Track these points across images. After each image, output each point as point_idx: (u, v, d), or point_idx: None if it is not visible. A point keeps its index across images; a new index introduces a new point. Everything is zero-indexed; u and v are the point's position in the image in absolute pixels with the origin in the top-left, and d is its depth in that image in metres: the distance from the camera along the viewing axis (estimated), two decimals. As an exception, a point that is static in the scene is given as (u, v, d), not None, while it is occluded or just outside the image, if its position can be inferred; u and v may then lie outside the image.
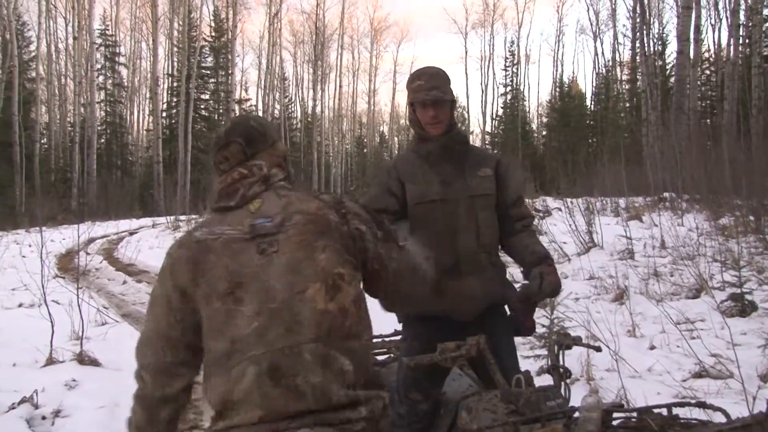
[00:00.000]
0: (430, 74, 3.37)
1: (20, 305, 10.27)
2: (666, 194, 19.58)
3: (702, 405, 2.71)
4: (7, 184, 34.50)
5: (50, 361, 6.98)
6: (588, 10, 55.32)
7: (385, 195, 3.32)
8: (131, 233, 25.40)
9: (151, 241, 21.90)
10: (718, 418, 2.48)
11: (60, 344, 7.24)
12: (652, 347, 7.19)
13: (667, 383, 5.69)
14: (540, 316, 7.40)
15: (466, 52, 58.02)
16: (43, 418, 5.52)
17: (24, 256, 15.15)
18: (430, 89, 3.28)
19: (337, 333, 2.13)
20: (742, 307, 7.95)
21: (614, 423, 2.64)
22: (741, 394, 5.40)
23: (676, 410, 2.61)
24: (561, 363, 2.99)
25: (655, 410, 2.62)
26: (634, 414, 2.65)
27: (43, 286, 8.02)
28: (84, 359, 6.95)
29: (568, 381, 2.92)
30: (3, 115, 35.04)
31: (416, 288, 2.62)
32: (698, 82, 35.66)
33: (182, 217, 26.98)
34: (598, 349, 3.43)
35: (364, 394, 2.14)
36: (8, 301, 10.52)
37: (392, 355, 3.94)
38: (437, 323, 3.19)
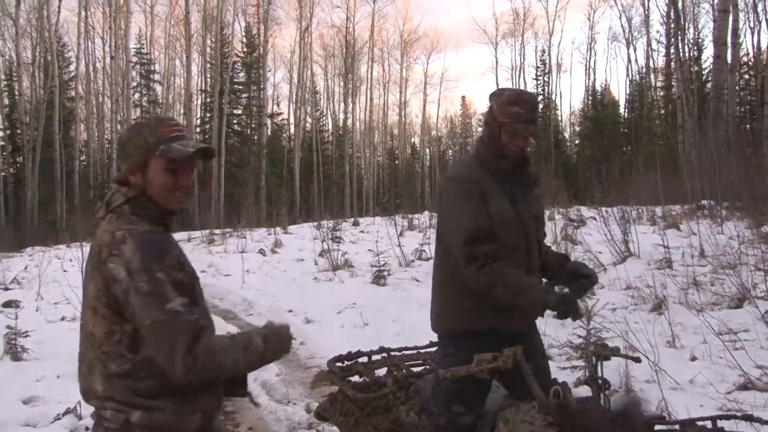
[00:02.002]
0: (531, 104, 3.37)
1: (63, 318, 10.47)
2: (704, 202, 19.35)
3: (749, 418, 2.68)
4: (49, 200, 35.07)
5: (92, 374, 7.10)
6: (620, 17, 54.73)
7: (481, 211, 3.30)
8: (167, 247, 25.48)
9: (187, 255, 22.12)
10: None
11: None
12: (694, 358, 7.10)
13: (710, 395, 5.61)
14: (576, 327, 7.39)
15: (497, 62, 57.84)
16: (86, 429, 5.63)
17: (65, 271, 15.38)
18: (530, 122, 3.30)
19: (95, 354, 2.36)
20: (788, 317, 7.83)
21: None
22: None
23: (721, 423, 2.59)
24: (599, 374, 2.99)
25: (699, 423, 2.60)
26: (677, 426, 2.64)
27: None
28: None
29: (607, 392, 2.91)
30: (44, 133, 35.69)
31: (164, 365, 2.33)
32: (737, 87, 35.24)
33: (217, 231, 27.18)
34: (638, 360, 3.42)
35: (110, 406, 2.36)
36: (51, 314, 10.71)
37: (428, 366, 4.00)
38: (488, 339, 3.18)
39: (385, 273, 13.53)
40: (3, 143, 37.84)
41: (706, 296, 9.62)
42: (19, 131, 37.44)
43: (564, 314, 3.27)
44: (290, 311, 11.15)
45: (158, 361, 2.32)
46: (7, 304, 11.17)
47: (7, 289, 13.25)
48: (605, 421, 2.55)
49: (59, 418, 5.82)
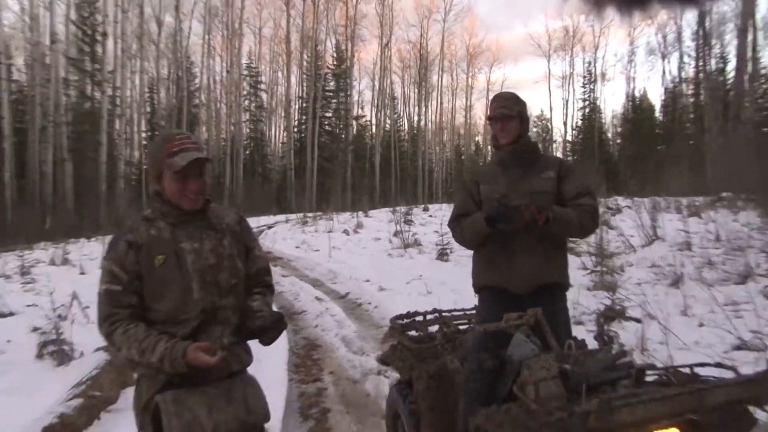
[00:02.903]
0: (503, 97, 3.56)
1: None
2: (724, 194, 18.86)
3: (719, 365, 2.77)
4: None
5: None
6: (656, 34, 53.12)
7: (468, 199, 3.54)
8: (269, 227, 26.05)
9: (284, 234, 22.53)
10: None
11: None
12: (701, 324, 7.04)
13: (709, 354, 5.61)
14: (603, 297, 7.42)
15: (549, 72, 56.85)
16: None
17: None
18: (498, 107, 3.48)
19: None
20: (783, 291, 7.71)
21: (647, 380, 2.75)
22: (772, 364, 5.33)
23: (697, 369, 2.69)
24: (606, 331, 3.09)
25: (681, 369, 2.71)
26: (662, 372, 2.75)
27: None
28: None
29: (614, 346, 2.99)
30: (176, 134, 36.90)
31: None
32: (756, 96, 34.02)
33: (309, 214, 27.57)
34: (638, 321, 3.52)
35: None
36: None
37: (471, 324, 4.07)
38: (499, 296, 3.33)
39: (448, 251, 13.57)
40: (145, 142, 39.10)
41: (718, 274, 9.46)
42: (156, 132, 38.65)
43: (499, 214, 3.21)
44: (367, 281, 11.30)
45: None
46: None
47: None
48: (601, 364, 2.67)
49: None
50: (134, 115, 37.60)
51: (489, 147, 61.68)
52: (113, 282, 2.41)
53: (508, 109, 3.46)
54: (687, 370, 2.66)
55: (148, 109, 40.68)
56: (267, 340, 2.60)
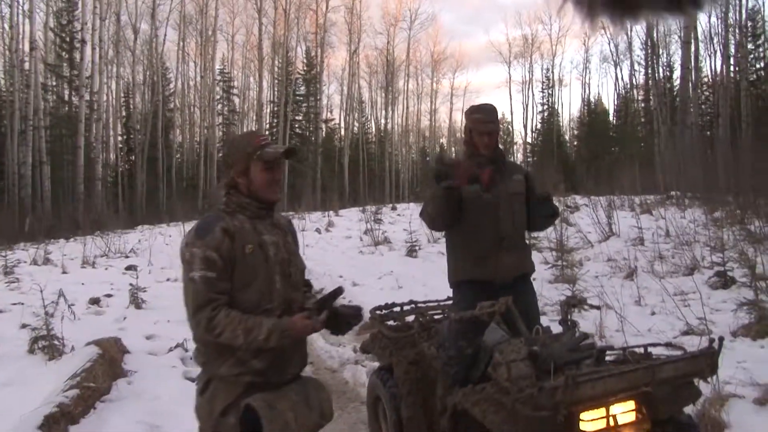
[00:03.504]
0: (488, 110, 3.75)
1: (168, 279, 10.88)
2: (673, 193, 19.30)
3: (668, 344, 3.00)
4: (153, 190, 35.88)
5: (192, 320, 7.51)
6: (609, 43, 53.87)
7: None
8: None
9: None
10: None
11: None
12: (653, 313, 7.32)
13: (661, 339, 5.85)
14: (565, 289, 7.65)
15: (510, 78, 57.34)
16: (191, 358, 6.03)
17: (167, 244, 15.82)
18: (488, 123, 3.68)
19: None
20: (724, 281, 8.01)
21: (607, 359, 2.94)
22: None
23: (650, 349, 2.89)
24: (569, 318, 3.27)
25: (636, 349, 2.91)
26: (620, 352, 2.94)
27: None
28: None
29: (577, 330, 3.17)
30: (150, 137, 36.56)
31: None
32: (699, 102, 34.86)
33: (282, 214, 27.60)
34: (598, 308, 3.72)
35: None
36: (160, 276, 11.14)
37: (445, 314, 4.21)
38: (480, 288, 3.50)
39: (417, 248, 13.63)
40: (120, 145, 38.74)
41: (667, 266, 9.78)
42: (132, 136, 38.28)
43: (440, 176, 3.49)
44: (341, 277, 11.37)
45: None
46: (129, 268, 11.67)
47: (127, 256, 13.72)
48: (566, 346, 2.85)
49: (172, 350, 6.20)
50: (110, 120, 37.14)
51: (453, 149, 62.31)
52: (209, 268, 2.36)
53: (495, 125, 3.71)
54: (641, 350, 2.87)
55: (124, 114, 40.20)
56: (344, 330, 2.66)
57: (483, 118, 3.68)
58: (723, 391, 4.47)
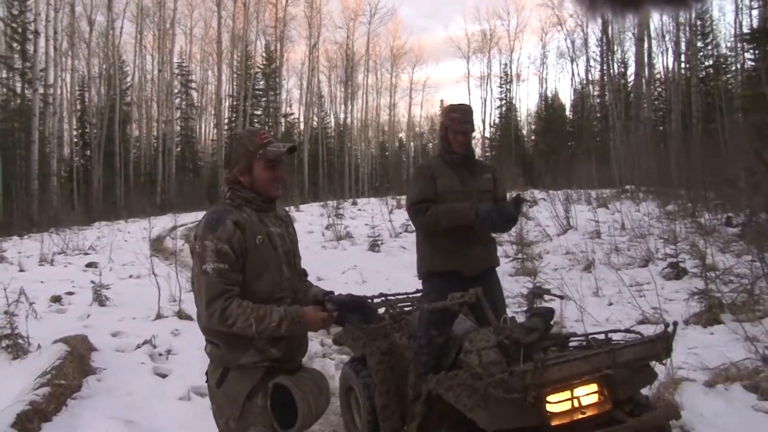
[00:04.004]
0: (464, 110, 3.94)
1: (130, 276, 10.74)
2: (628, 187, 19.80)
3: (627, 331, 3.20)
4: (110, 185, 35.26)
5: (159, 316, 7.54)
6: (566, 39, 54.86)
7: (429, 186, 3.82)
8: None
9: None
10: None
11: (163, 304, 7.79)
12: (611, 303, 7.58)
13: (619, 328, 6.11)
14: (526, 281, 7.87)
15: (469, 73, 57.80)
16: (160, 354, 6.11)
17: (126, 241, 15.65)
18: (464, 122, 3.86)
19: None
20: (677, 272, 8.34)
21: (570, 346, 3.12)
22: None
23: (610, 335, 3.08)
24: (535, 307, 3.43)
25: (597, 336, 3.09)
26: (582, 338, 3.12)
27: (151, 263, 8.55)
28: (182, 315, 7.48)
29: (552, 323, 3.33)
30: (107, 132, 35.93)
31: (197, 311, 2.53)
32: (652, 98, 35.75)
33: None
34: (562, 297, 3.91)
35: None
36: (122, 273, 11.00)
37: (415, 305, 4.34)
38: (450, 279, 3.66)
39: (379, 242, 13.75)
40: (76, 140, 37.94)
41: (624, 258, 10.10)
42: (87, 130, 37.55)
43: (493, 220, 3.63)
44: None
45: (197, 307, 2.49)
46: (89, 265, 11.53)
47: (86, 254, 13.51)
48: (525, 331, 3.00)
49: (140, 346, 6.20)
50: (65, 113, 36.36)
51: (412, 144, 62.65)
52: (221, 260, 2.40)
53: (471, 125, 3.90)
54: (602, 336, 3.05)
55: (79, 107, 39.38)
56: (357, 320, 2.68)
57: (459, 118, 3.86)
58: (676, 376, 4.72)
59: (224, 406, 2.53)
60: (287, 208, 22.83)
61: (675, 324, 2.96)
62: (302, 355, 2.71)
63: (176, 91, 44.63)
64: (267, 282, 2.51)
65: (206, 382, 2.66)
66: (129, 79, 41.93)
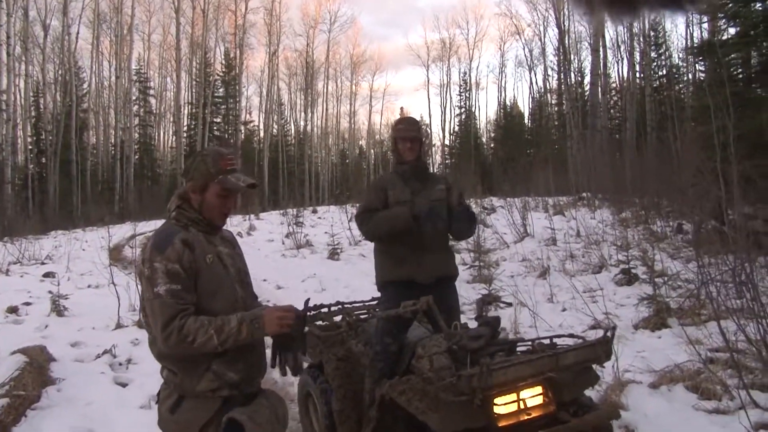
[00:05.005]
0: (409, 121, 4.28)
1: (89, 286, 10.60)
2: (584, 194, 20.22)
3: (571, 336, 3.37)
4: (66, 193, 34.66)
5: (118, 326, 7.52)
6: (524, 48, 55.97)
7: (376, 199, 4.04)
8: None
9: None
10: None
11: (123, 314, 7.77)
12: (564, 309, 7.81)
13: (580, 335, 6.32)
14: (482, 288, 8.05)
15: (428, 81, 58.54)
16: (120, 364, 6.12)
17: (83, 250, 15.43)
18: (409, 130, 4.12)
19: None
20: (629, 278, 8.63)
21: (518, 350, 3.28)
22: (619, 337, 6.08)
23: (555, 340, 3.26)
24: (485, 314, 3.60)
25: (543, 341, 3.26)
26: (529, 343, 3.29)
27: (111, 273, 8.51)
28: (141, 324, 7.31)
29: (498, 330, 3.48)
30: (63, 139, 35.34)
31: (153, 335, 2.43)
32: (608, 107, 36.60)
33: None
34: (510, 304, 4.08)
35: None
36: (80, 283, 10.85)
37: (370, 314, 4.48)
38: (404, 288, 3.80)
39: (339, 250, 13.85)
40: (30, 147, 37.18)
41: (578, 265, 10.38)
42: (42, 137, 36.77)
43: (428, 216, 3.89)
44: (265, 280, 11.35)
45: (151, 333, 2.41)
46: (47, 275, 11.35)
47: (43, 263, 13.30)
48: (481, 340, 3.16)
49: (99, 356, 6.19)
50: (19, 120, 35.62)
51: (372, 151, 62.81)
52: (173, 281, 2.34)
53: (416, 132, 4.12)
54: (548, 341, 3.22)
55: (34, 114, 38.60)
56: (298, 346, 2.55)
57: (404, 128, 4.15)
58: (623, 378, 4.95)
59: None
60: (247, 217, 22.73)
61: (614, 329, 3.14)
62: (261, 377, 2.66)
63: (134, 98, 44.08)
64: (222, 300, 2.46)
65: (156, 403, 2.62)
66: (86, 85, 41.32)
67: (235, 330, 2.34)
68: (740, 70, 11.34)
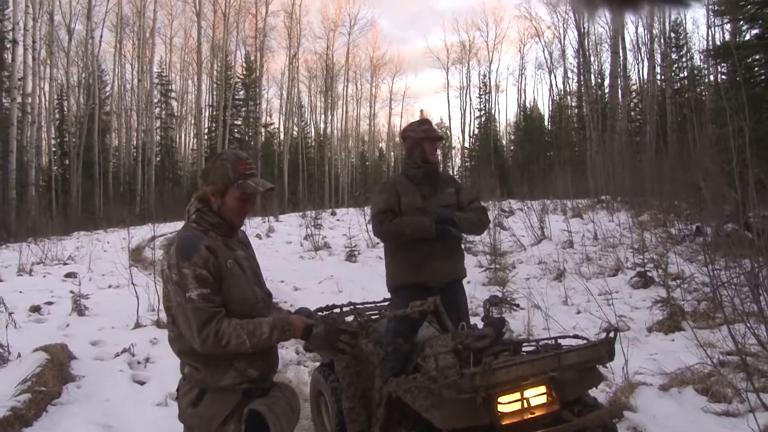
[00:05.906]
0: (430, 122, 4.35)
1: (110, 286, 10.79)
2: (603, 197, 20.10)
3: (576, 336, 3.41)
4: (89, 195, 35.13)
5: (137, 325, 7.69)
6: (543, 50, 55.86)
7: (393, 200, 4.05)
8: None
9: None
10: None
11: (142, 314, 7.93)
12: (579, 312, 7.82)
13: (585, 336, 6.34)
14: (495, 291, 8.09)
15: (448, 83, 58.55)
16: (138, 362, 6.25)
17: (105, 251, 15.62)
18: (434, 131, 4.19)
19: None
20: (644, 281, 8.62)
21: (523, 350, 3.34)
22: (632, 339, 6.11)
23: (560, 340, 3.31)
24: (491, 315, 3.65)
25: (548, 341, 3.32)
26: (534, 343, 3.35)
27: (131, 273, 8.66)
28: (160, 324, 7.54)
29: (504, 330, 3.55)
30: (86, 141, 35.85)
31: (187, 339, 2.49)
32: (628, 109, 36.37)
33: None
34: (518, 305, 4.12)
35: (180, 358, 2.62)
36: (101, 283, 11.04)
37: (381, 314, 4.59)
38: (416, 291, 3.87)
39: (356, 252, 13.87)
40: (54, 149, 37.75)
41: (594, 268, 10.34)
42: (66, 139, 37.38)
43: (446, 220, 3.88)
44: (282, 281, 11.44)
45: (185, 335, 2.47)
46: (69, 275, 11.56)
47: (65, 264, 13.51)
48: (487, 340, 3.22)
49: (118, 355, 6.34)
50: (44, 123, 36.19)
51: (392, 153, 62.86)
52: (203, 285, 2.41)
53: (440, 133, 4.17)
54: (552, 342, 3.28)
55: (58, 116, 39.20)
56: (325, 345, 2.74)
57: (430, 128, 4.18)
58: (633, 380, 4.97)
59: (194, 428, 2.57)
60: (266, 219, 22.81)
61: (616, 330, 3.19)
62: (275, 372, 2.76)
63: (156, 100, 44.57)
64: (243, 304, 2.54)
65: (176, 399, 2.69)
66: (108, 88, 41.92)
67: (267, 336, 2.46)
68: (762, 71, 11.27)
